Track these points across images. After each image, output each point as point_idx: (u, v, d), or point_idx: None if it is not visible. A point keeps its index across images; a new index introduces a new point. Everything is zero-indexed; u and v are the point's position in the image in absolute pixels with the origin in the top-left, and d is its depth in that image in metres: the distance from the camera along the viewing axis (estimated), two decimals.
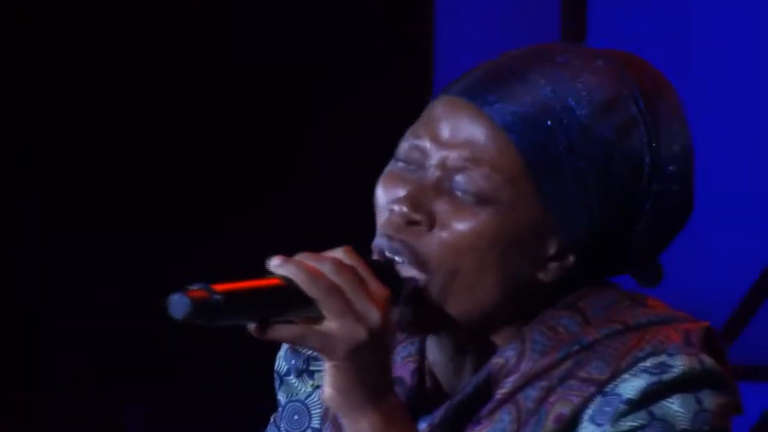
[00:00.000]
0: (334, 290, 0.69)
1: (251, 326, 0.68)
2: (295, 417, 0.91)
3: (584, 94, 0.79)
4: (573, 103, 0.78)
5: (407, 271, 0.78)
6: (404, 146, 0.83)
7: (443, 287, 0.78)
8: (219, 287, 0.64)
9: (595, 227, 0.79)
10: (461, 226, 0.78)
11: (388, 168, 0.84)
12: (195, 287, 0.64)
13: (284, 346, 0.95)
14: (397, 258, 0.79)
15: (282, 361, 0.95)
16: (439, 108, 0.83)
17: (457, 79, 0.85)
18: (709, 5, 4.75)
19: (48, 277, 4.19)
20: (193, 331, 0.89)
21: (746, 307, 3.97)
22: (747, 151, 4.82)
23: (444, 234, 0.78)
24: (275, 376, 0.96)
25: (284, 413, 0.92)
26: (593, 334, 0.77)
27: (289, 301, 0.68)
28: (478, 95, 0.80)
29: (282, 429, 0.92)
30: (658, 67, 0.84)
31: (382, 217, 0.82)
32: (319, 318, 0.70)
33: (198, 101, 4.29)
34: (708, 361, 0.75)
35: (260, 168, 4.31)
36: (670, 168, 0.80)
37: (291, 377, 0.94)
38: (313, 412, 0.89)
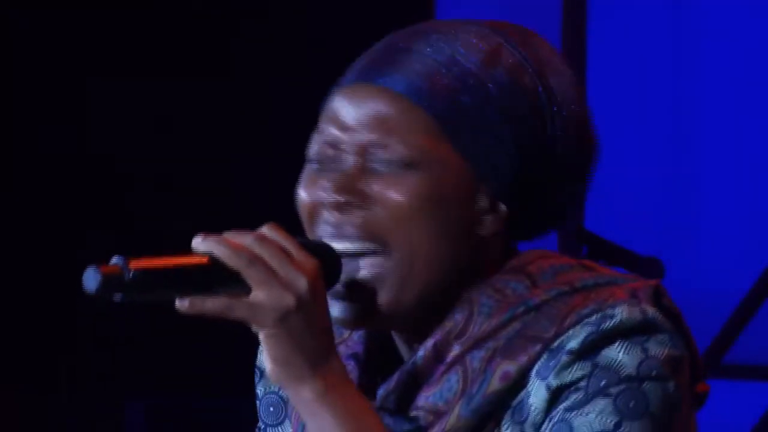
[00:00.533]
0: (257, 260, 0.70)
1: (178, 302, 0.69)
2: (271, 409, 0.92)
3: (469, 48, 0.81)
4: (461, 58, 0.80)
5: (360, 261, 0.79)
6: (314, 147, 0.84)
7: (398, 264, 0.78)
8: (135, 263, 0.64)
9: (516, 173, 0.80)
10: (396, 195, 0.79)
11: (304, 172, 0.85)
12: (112, 262, 0.64)
13: None
14: (347, 242, 0.79)
15: (262, 356, 0.96)
16: (336, 100, 0.83)
17: (344, 74, 0.86)
18: (710, 3, 4.75)
19: None
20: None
21: (746, 307, 3.97)
22: (748, 151, 4.82)
23: (383, 208, 0.79)
24: (256, 370, 0.96)
25: (261, 407, 0.93)
26: (540, 295, 0.78)
27: (214, 277, 0.69)
28: (371, 75, 0.82)
29: (261, 425, 0.93)
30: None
31: (311, 217, 0.82)
32: (247, 291, 0.70)
33: None
34: (651, 311, 0.76)
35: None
36: (567, 110, 0.82)
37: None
38: (288, 401, 0.90)
